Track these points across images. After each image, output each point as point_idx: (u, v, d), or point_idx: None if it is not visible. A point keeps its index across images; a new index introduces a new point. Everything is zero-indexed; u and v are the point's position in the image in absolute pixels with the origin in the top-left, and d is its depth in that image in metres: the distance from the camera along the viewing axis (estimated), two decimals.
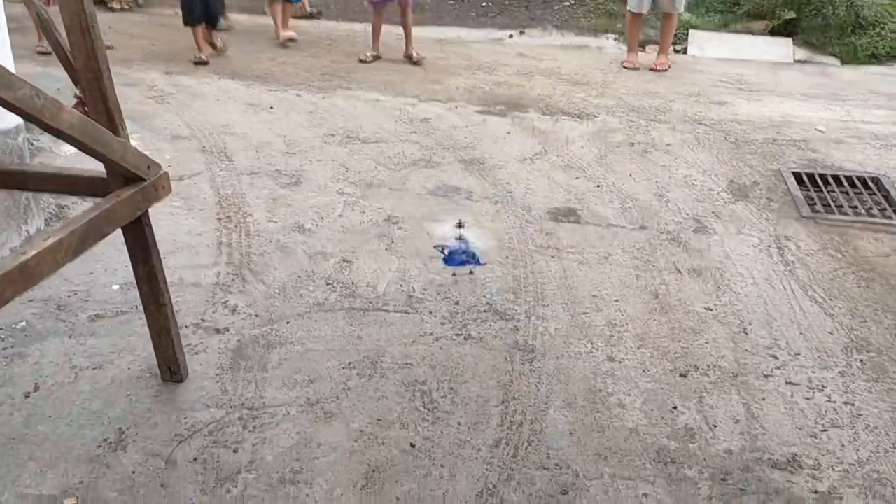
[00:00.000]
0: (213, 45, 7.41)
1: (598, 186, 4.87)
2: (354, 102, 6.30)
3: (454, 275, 3.84)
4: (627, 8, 7.62)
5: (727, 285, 3.80)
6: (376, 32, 7.63)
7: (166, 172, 2.75)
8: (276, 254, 3.95)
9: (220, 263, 3.84)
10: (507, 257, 3.98)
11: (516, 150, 5.43)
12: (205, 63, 7.09)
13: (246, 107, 6.11)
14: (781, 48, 8.52)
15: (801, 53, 8.48)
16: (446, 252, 4.03)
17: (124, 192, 2.56)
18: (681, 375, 3.14)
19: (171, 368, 2.96)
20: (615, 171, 5.12)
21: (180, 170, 4.88)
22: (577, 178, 5.00)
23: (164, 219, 4.22)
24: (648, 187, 4.90)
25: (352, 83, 6.76)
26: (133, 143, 5.30)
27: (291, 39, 7.86)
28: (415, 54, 7.53)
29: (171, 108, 5.99)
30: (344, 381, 3.05)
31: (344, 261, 3.91)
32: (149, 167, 2.66)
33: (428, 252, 4.02)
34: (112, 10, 9.17)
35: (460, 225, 4.33)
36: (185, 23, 7.22)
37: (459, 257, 4.03)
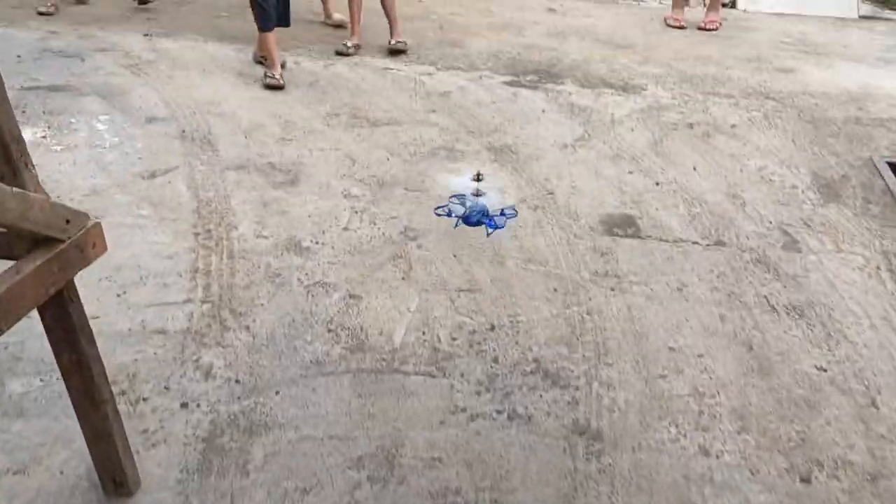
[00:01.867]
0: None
1: (658, 184, 4.02)
2: (362, 71, 5.41)
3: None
4: None
5: (839, 330, 2.98)
6: (354, 13, 5.76)
7: (98, 224, 1.92)
8: (265, 285, 3.14)
9: (195, 300, 3.04)
10: (556, 290, 3.16)
11: (554, 133, 4.56)
12: (278, 87, 5.03)
13: (236, 78, 5.23)
14: (843, 1, 7.53)
15: (866, 8, 7.51)
16: (465, 206, 3.73)
17: (27, 265, 1.74)
18: (802, 480, 2.34)
19: (115, 479, 2.18)
20: (675, 163, 4.26)
21: (153, 163, 4.04)
22: (629, 172, 4.14)
23: (127, 234, 3.41)
24: (718, 184, 4.05)
25: (360, 49, 5.84)
26: (101, 127, 4.51)
27: (342, 25, 6.25)
28: (393, 42, 5.78)
29: (149, 81, 5.11)
30: (350, 490, 2.27)
31: (350, 296, 3.10)
32: (68, 222, 1.84)
33: (455, 283, 3.20)
34: None
35: (478, 178, 3.95)
36: (261, 29, 5.19)
37: (476, 217, 3.66)
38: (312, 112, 4.73)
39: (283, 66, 5.24)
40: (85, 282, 3.03)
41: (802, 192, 4.00)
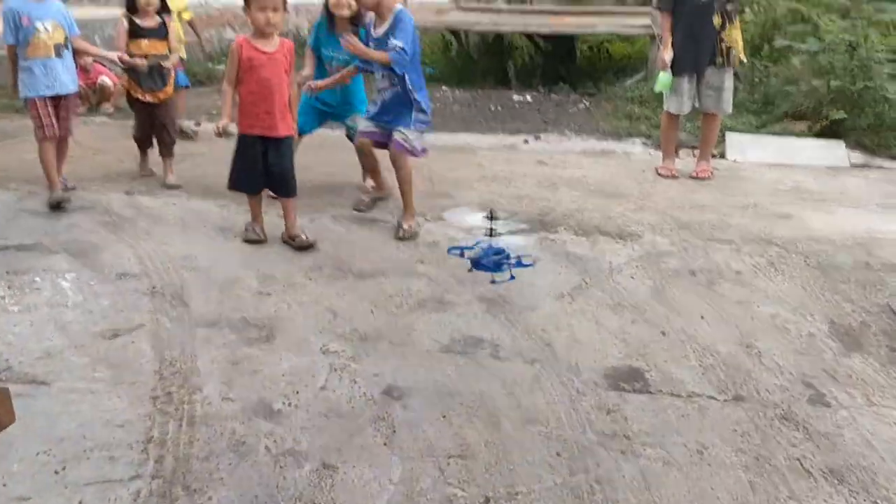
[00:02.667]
0: (293, 237, 4.78)
1: (664, 334, 3.72)
2: (348, 224, 5.22)
3: (494, 282, 4.15)
4: (665, 109, 6.63)
5: (886, 497, 2.59)
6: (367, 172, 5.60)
7: (4, 391, 1.59)
8: (227, 455, 2.76)
9: (144, 476, 2.64)
10: (559, 454, 2.78)
11: (549, 282, 4.30)
12: (258, 241, 4.80)
13: (216, 233, 5.03)
14: (833, 151, 7.52)
15: (857, 157, 7.48)
16: (476, 251, 4.28)
17: None
18: None
19: None
20: (680, 312, 3.97)
21: (117, 322, 3.74)
22: (633, 321, 3.85)
23: (77, 401, 3.05)
24: (728, 333, 3.74)
25: (345, 199, 5.68)
26: (66, 284, 4.23)
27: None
28: (405, 227, 5.01)
29: (125, 238, 4.90)
30: None
31: (324, 466, 2.71)
32: None
33: (444, 447, 2.82)
34: (109, 114, 9.07)
35: (492, 216, 4.45)
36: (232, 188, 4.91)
37: (492, 260, 4.21)
38: (294, 266, 4.49)
39: (306, 244, 4.71)
40: (20, 456, 2.67)
41: (821, 340, 3.69)
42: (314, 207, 5.53)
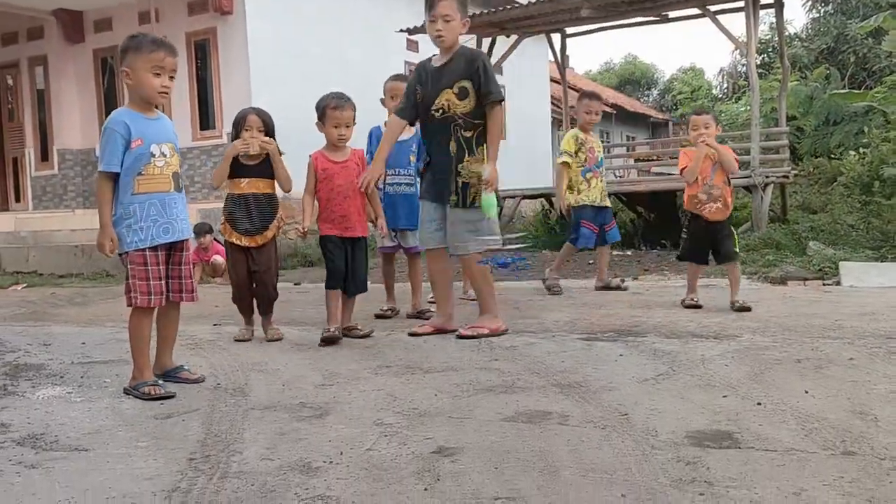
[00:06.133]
0: (349, 329, 5.16)
1: (760, 405, 3.27)
2: (423, 336, 5.06)
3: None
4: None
5: None
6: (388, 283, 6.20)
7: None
8: (253, 500, 2.50)
9: None
10: (624, 496, 2.37)
11: (632, 372, 3.94)
12: (334, 341, 4.86)
13: (291, 346, 4.98)
14: None
15: None
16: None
17: None
18: None
19: None
20: (781, 388, 3.51)
21: (174, 408, 3.63)
22: (724, 396, 3.42)
23: (113, 461, 2.89)
24: (838, 404, 3.25)
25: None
26: None
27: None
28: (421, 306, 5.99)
29: (202, 353, 4.90)
30: None
31: None
32: None
33: (492, 492, 2.46)
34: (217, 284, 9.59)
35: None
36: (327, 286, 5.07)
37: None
38: (362, 365, 4.32)
39: (364, 334, 5.16)
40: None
41: None
42: (390, 329, 5.43)
